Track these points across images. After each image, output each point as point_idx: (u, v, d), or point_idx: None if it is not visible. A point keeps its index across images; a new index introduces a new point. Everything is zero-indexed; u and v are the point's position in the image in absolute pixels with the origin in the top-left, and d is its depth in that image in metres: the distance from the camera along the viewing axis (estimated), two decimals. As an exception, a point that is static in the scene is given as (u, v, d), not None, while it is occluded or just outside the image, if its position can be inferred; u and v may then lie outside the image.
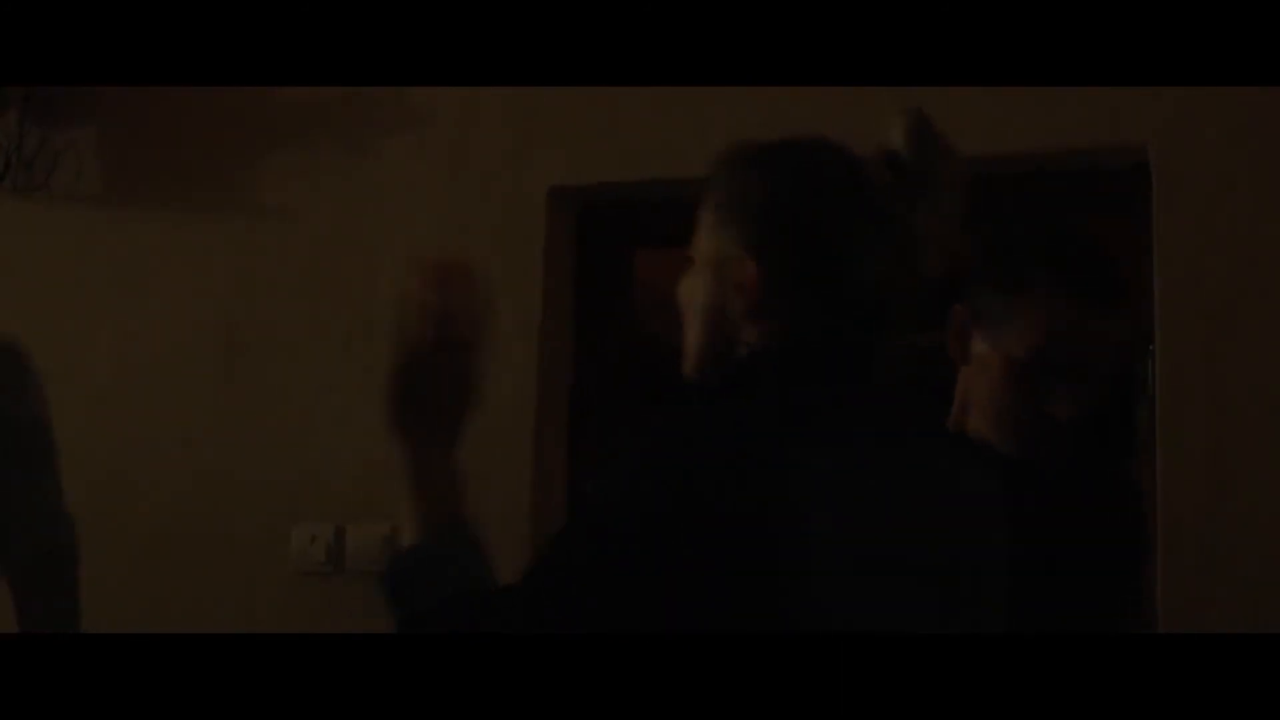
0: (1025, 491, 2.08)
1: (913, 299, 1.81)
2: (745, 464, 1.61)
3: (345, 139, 4.10)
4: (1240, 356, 3.40)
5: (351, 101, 4.06)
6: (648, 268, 4.27)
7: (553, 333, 3.91)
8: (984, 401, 2.39)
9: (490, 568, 1.75)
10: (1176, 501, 3.39)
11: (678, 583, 1.58)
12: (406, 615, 1.75)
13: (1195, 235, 3.47)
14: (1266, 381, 3.36)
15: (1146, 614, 3.45)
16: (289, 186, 4.13)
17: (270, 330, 4.07)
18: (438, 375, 1.86)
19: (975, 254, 2.20)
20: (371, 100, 4.04)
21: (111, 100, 4.22)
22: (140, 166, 4.27)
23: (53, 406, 3.08)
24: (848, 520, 1.65)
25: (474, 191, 3.98)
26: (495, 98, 3.93)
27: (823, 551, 1.62)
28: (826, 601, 1.62)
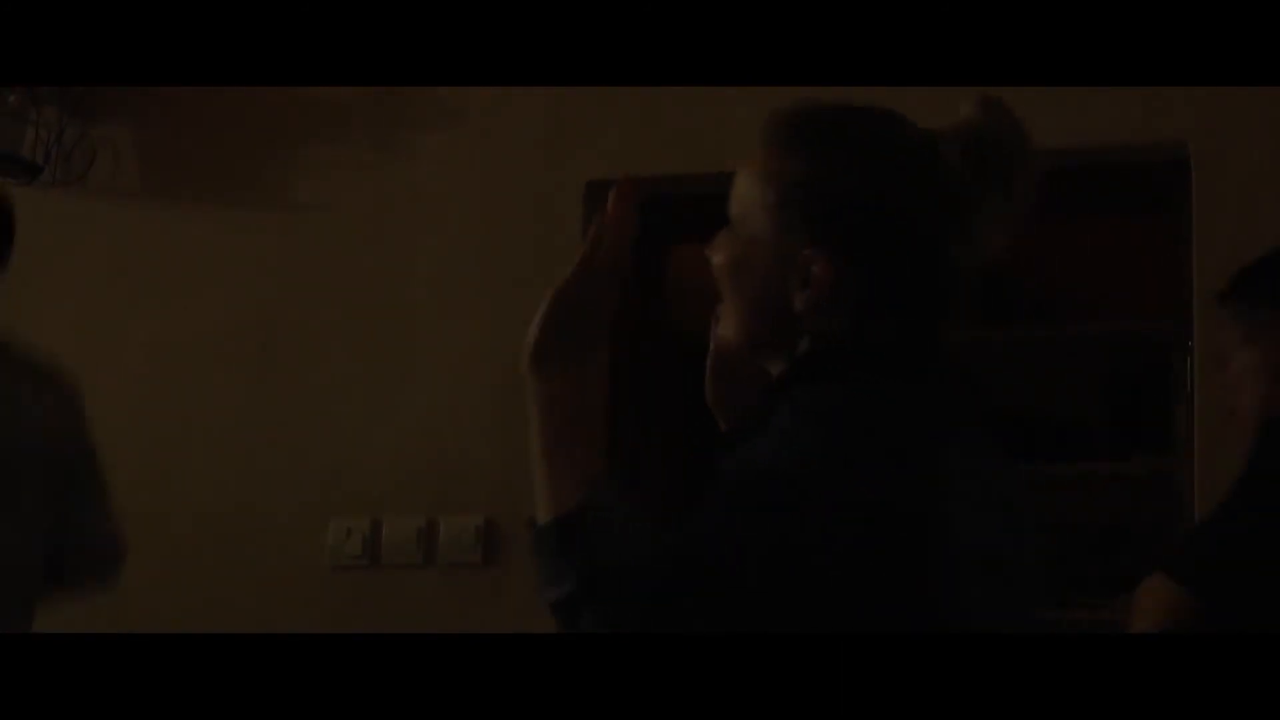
0: None
1: (969, 289, 1.73)
2: (904, 457, 1.59)
3: (380, 135, 4.11)
4: (1279, 354, 3.38)
5: (386, 98, 4.06)
6: (684, 262, 4.27)
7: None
8: (1249, 408, 2.64)
9: (634, 518, 1.59)
10: (1213, 498, 3.37)
11: (830, 561, 1.53)
12: (579, 583, 1.54)
13: (1234, 232, 3.46)
14: (1306, 379, 3.34)
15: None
16: (324, 183, 4.14)
17: (306, 325, 4.08)
18: (601, 298, 1.67)
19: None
20: (406, 97, 4.05)
21: (149, 96, 4.23)
22: (177, 162, 4.28)
23: (90, 406, 3.13)
24: (973, 517, 1.62)
25: (509, 187, 3.98)
26: (530, 92, 3.93)
27: (960, 548, 1.60)
28: (962, 599, 1.60)
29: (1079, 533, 4.89)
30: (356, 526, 3.92)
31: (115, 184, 4.27)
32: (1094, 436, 4.89)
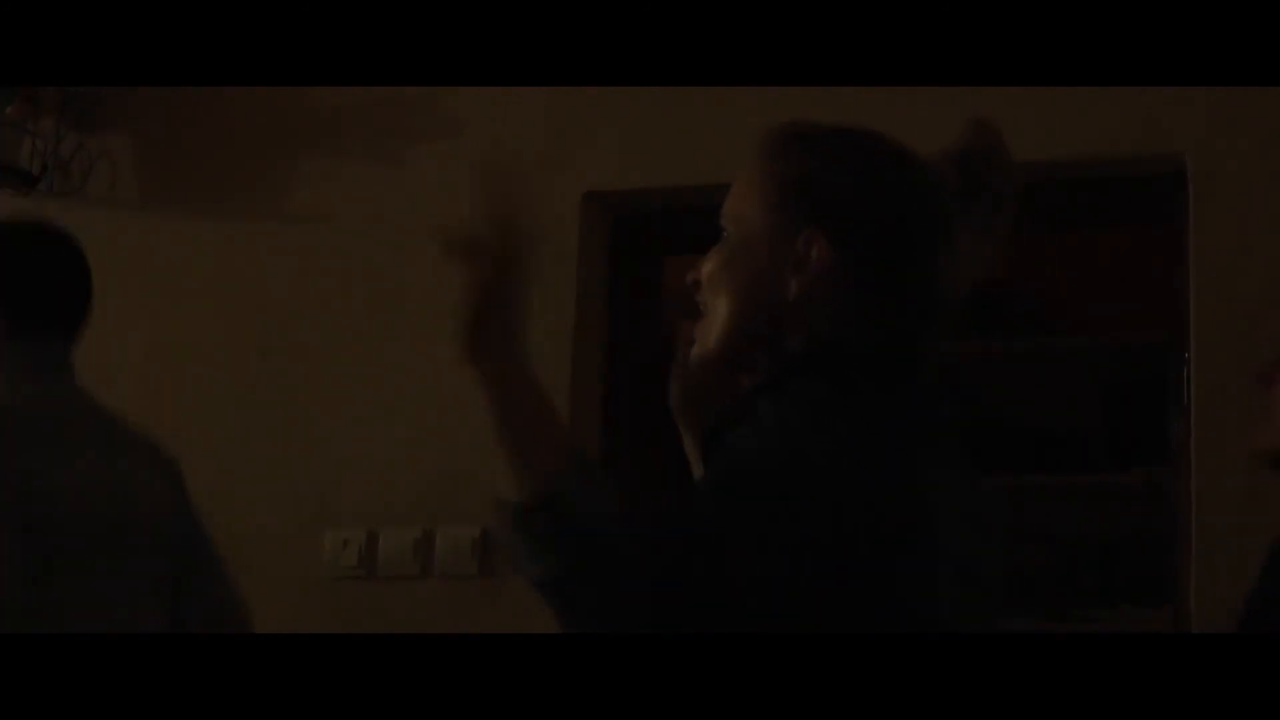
0: None
1: (955, 305, 1.77)
2: (888, 462, 1.63)
3: (378, 143, 4.11)
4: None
5: (384, 106, 4.06)
6: (678, 274, 4.26)
7: (585, 338, 3.90)
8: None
9: (615, 498, 1.61)
10: (1210, 510, 3.38)
11: (807, 552, 1.57)
12: (568, 564, 1.56)
13: (1231, 243, 3.46)
14: (1302, 391, 3.34)
15: (1181, 618, 3.45)
16: (322, 191, 4.14)
17: (303, 335, 4.08)
18: (512, 289, 1.73)
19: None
20: (404, 105, 4.05)
21: (146, 105, 4.23)
22: (175, 171, 4.28)
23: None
24: (945, 526, 1.66)
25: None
26: (529, 101, 3.93)
27: (935, 556, 1.63)
28: (935, 604, 1.63)
29: (1075, 545, 4.89)
30: (353, 537, 3.92)
31: (112, 194, 4.27)
32: (1090, 448, 4.89)
